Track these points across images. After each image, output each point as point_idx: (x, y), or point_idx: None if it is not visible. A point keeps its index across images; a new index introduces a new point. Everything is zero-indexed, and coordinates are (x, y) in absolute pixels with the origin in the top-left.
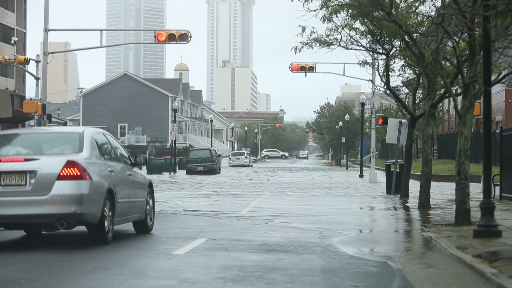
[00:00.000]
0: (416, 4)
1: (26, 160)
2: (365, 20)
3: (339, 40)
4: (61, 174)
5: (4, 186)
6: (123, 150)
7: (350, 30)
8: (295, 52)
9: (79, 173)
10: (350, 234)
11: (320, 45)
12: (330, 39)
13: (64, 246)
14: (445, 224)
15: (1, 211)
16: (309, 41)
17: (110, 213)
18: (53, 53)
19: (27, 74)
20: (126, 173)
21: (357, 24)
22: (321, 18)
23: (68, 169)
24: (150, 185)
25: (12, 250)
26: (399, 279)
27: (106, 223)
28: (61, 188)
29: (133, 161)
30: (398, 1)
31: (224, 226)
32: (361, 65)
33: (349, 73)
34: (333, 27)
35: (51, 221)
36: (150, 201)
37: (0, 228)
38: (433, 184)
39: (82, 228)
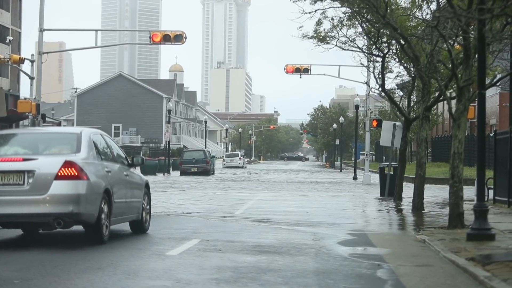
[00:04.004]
0: (413, 9)
1: (24, 159)
2: (362, 21)
3: (336, 39)
4: (59, 174)
5: (2, 185)
6: (120, 151)
7: (348, 29)
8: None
9: (76, 173)
10: (344, 236)
11: (317, 42)
12: (328, 37)
13: (57, 246)
14: (439, 227)
15: None
16: (307, 36)
17: (107, 213)
18: (48, 52)
19: (21, 73)
20: (123, 173)
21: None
22: (324, 17)
23: (66, 169)
24: (147, 186)
25: (6, 249)
26: (392, 281)
27: (103, 223)
28: (58, 187)
29: (130, 162)
30: (394, 0)
31: (218, 227)
32: (361, 60)
33: (344, 75)
34: (331, 25)
35: (49, 220)
36: (147, 202)
37: None
38: (427, 187)
39: (76, 228)
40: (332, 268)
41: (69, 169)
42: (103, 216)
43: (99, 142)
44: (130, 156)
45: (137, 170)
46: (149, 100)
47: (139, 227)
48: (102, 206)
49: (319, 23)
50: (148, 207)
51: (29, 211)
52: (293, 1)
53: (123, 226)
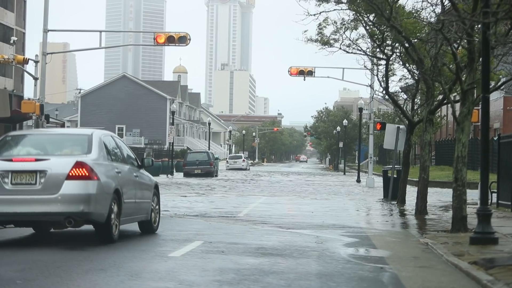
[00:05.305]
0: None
1: (36, 160)
2: (366, 24)
3: (340, 42)
4: (70, 174)
5: (15, 185)
6: (130, 152)
7: (351, 32)
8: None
9: (87, 174)
10: (347, 239)
11: (321, 46)
12: (332, 39)
13: (60, 247)
14: (442, 230)
15: (12, 208)
16: (311, 39)
17: (116, 213)
18: (52, 53)
19: (25, 74)
20: (133, 174)
21: (360, 29)
22: (324, 20)
23: (77, 169)
24: (156, 187)
25: (8, 250)
26: (395, 284)
27: (112, 223)
28: (69, 187)
29: (139, 163)
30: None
31: (221, 229)
32: (365, 63)
33: (348, 78)
34: (335, 28)
35: (60, 219)
36: (156, 202)
37: (10, 225)
38: (430, 190)
39: (79, 228)
40: (334, 271)
41: (80, 169)
42: (113, 216)
43: (109, 143)
44: None
45: (145, 171)
46: (152, 101)
47: (148, 228)
48: (112, 206)
49: (321, 27)
50: (157, 207)
51: (41, 210)
52: (298, 2)
53: (129, 226)
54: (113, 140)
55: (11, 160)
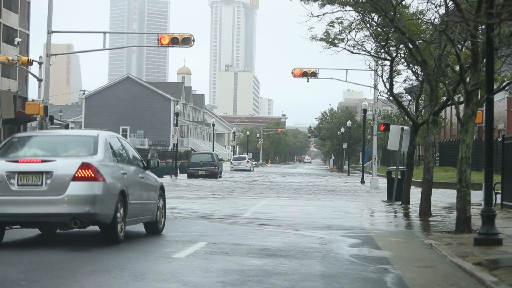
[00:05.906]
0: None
1: (42, 161)
2: (370, 25)
3: (345, 43)
4: (76, 175)
5: (21, 186)
6: (136, 153)
7: (357, 32)
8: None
9: (93, 175)
10: (351, 240)
11: (326, 45)
12: (337, 39)
13: (64, 248)
14: (446, 231)
15: (18, 209)
16: (316, 37)
17: (122, 214)
18: (56, 54)
19: (29, 75)
20: (139, 175)
21: (365, 30)
22: (328, 24)
23: (83, 170)
24: (162, 188)
25: (13, 251)
26: (399, 285)
27: (118, 224)
28: (75, 188)
29: (145, 164)
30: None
31: (225, 230)
32: (370, 64)
33: (352, 79)
34: (341, 28)
35: (66, 220)
36: (161, 203)
37: (16, 226)
38: (434, 191)
39: (83, 230)
40: (338, 272)
41: (86, 170)
42: (118, 216)
43: (115, 144)
44: None
45: (151, 173)
46: (156, 102)
47: (154, 229)
48: (118, 207)
49: (331, 24)
50: (163, 208)
51: (47, 211)
52: (303, 4)
53: (133, 227)
54: (118, 142)
55: (17, 161)
